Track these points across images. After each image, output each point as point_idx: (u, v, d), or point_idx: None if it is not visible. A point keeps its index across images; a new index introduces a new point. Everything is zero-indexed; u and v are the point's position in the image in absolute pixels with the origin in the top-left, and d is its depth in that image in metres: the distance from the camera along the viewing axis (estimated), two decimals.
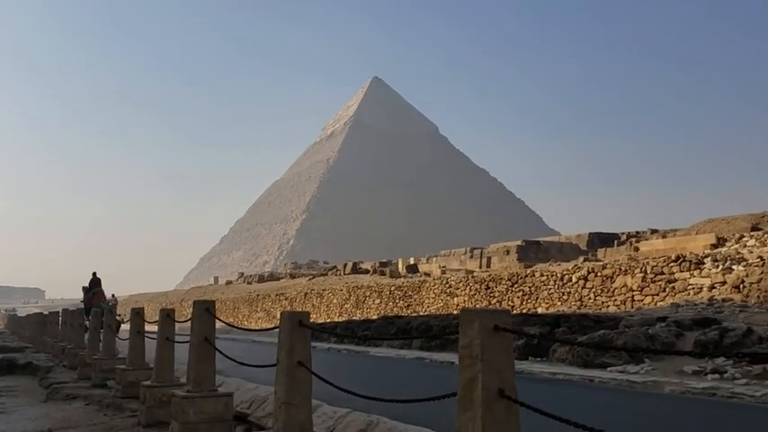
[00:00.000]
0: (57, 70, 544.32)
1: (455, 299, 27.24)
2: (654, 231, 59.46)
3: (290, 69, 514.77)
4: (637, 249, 45.15)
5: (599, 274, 21.37)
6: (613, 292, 20.58)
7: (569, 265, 25.49)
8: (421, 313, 27.91)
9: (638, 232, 61.84)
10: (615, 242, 58.17)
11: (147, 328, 17.90)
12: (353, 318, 31.80)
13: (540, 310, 22.56)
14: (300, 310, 42.30)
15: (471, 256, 63.17)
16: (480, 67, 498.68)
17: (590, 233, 64.68)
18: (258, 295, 46.74)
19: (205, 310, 7.29)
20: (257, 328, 28.28)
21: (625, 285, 20.26)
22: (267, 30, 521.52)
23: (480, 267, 57.88)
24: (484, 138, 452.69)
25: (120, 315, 25.30)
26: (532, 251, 59.98)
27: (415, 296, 29.90)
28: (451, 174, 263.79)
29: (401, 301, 30.63)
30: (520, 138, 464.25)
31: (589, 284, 21.54)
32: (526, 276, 24.12)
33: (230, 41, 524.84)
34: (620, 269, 20.67)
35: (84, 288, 27.18)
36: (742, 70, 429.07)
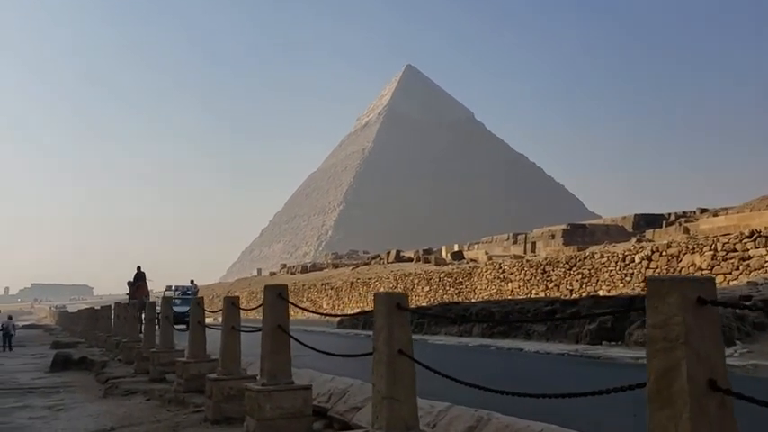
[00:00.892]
0: (106, 60, 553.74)
1: (509, 284, 26.43)
2: (704, 211, 57.56)
3: (323, 60, 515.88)
4: (687, 231, 43.62)
5: (664, 253, 20.36)
6: (680, 271, 19.57)
7: (629, 246, 24.46)
8: (473, 300, 27.19)
9: (684, 212, 60.03)
10: (663, 223, 56.56)
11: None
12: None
13: (601, 293, 21.65)
14: (347, 299, 42.03)
15: (514, 242, 62.05)
16: (514, 52, 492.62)
17: (635, 215, 63.01)
18: (304, 285, 46.50)
19: (278, 296, 6.71)
20: (340, 313, 27.94)
21: (693, 264, 19.24)
22: (301, 21, 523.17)
23: (525, 253, 56.80)
24: (521, 122, 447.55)
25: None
26: (578, 234, 58.65)
27: (466, 282, 29.16)
28: (489, 160, 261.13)
29: (452, 288, 29.92)
30: (557, 122, 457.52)
31: (653, 264, 20.54)
32: (585, 258, 23.19)
33: (265, 35, 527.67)
34: (687, 247, 19.63)
35: (129, 282, 27.43)
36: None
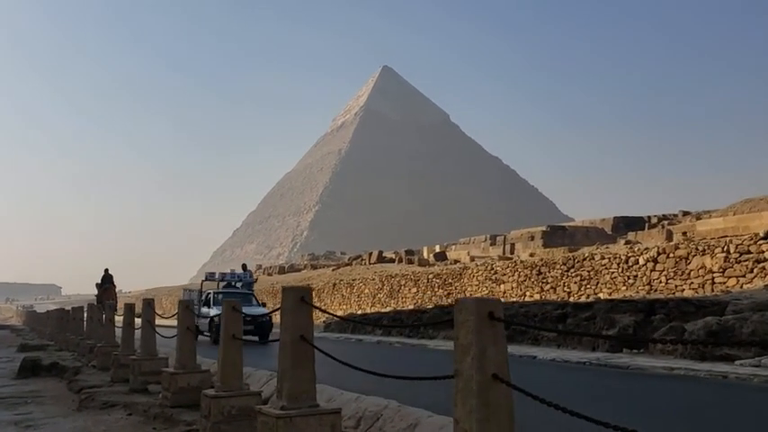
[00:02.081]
0: (65, 69, 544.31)
1: (501, 286, 25.45)
2: (686, 213, 57.45)
3: (298, 60, 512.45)
4: (670, 233, 43.20)
5: (671, 255, 19.47)
6: (689, 274, 18.72)
7: (634, 247, 23.57)
8: None
9: (665, 215, 59.86)
10: (646, 225, 56.29)
11: (165, 322, 16.08)
12: (385, 309, 30.08)
13: (602, 296, 20.75)
14: (329, 300, 40.74)
15: (492, 244, 61.43)
16: (489, 54, 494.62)
17: (615, 217, 62.82)
18: (283, 287, 45.11)
19: (300, 300, 5.55)
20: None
21: (703, 267, 18.39)
22: (274, 21, 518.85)
23: (503, 254, 56.20)
24: (495, 125, 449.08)
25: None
26: (558, 236, 58.23)
27: (456, 284, 28.11)
28: (464, 162, 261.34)
29: (440, 290, 28.86)
30: (531, 124, 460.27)
31: (659, 267, 19.66)
32: (584, 260, 22.26)
33: (238, 33, 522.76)
34: (697, 249, 18.76)
35: (97, 284, 27.15)
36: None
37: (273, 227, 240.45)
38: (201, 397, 7.53)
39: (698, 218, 49.60)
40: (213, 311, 20.53)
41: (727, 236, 22.69)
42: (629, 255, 20.89)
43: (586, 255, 22.76)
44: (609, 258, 21.42)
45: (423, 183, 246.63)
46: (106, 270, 27.14)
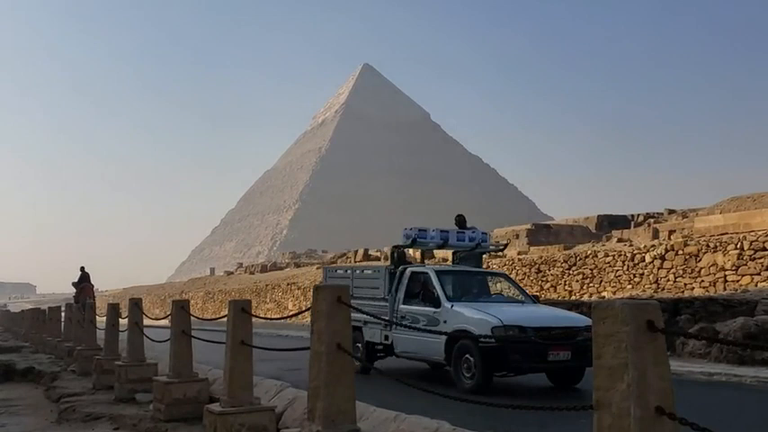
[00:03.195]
0: (32, 62, 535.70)
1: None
2: (671, 212, 57.22)
3: (279, 58, 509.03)
4: (656, 231, 42.72)
5: (680, 252, 18.73)
6: (699, 272, 17.99)
7: (639, 244, 22.86)
8: None
9: (649, 213, 59.66)
10: (631, 223, 56.00)
11: (150, 322, 14.88)
12: None
13: (606, 295, 19.98)
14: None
15: None
16: (468, 54, 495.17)
17: (598, 215, 62.54)
18: (267, 285, 43.98)
19: (337, 301, 4.57)
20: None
21: (714, 264, 17.67)
22: (254, 18, 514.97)
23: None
24: (476, 124, 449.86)
25: None
26: (542, 234, 57.67)
27: None
28: (444, 160, 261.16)
29: None
30: (511, 124, 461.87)
31: (667, 264, 18.92)
32: (586, 257, 21.47)
33: (217, 28, 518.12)
34: (708, 246, 18.04)
35: (73, 283, 26.64)
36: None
37: (253, 225, 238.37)
38: (205, 413, 6.54)
39: (684, 216, 49.45)
40: (465, 312, 9.98)
41: (727, 233, 22.05)
42: (635, 252, 20.16)
43: (589, 252, 21.99)
44: (613, 256, 20.68)
45: (403, 181, 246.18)
46: (82, 269, 26.58)
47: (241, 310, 6.36)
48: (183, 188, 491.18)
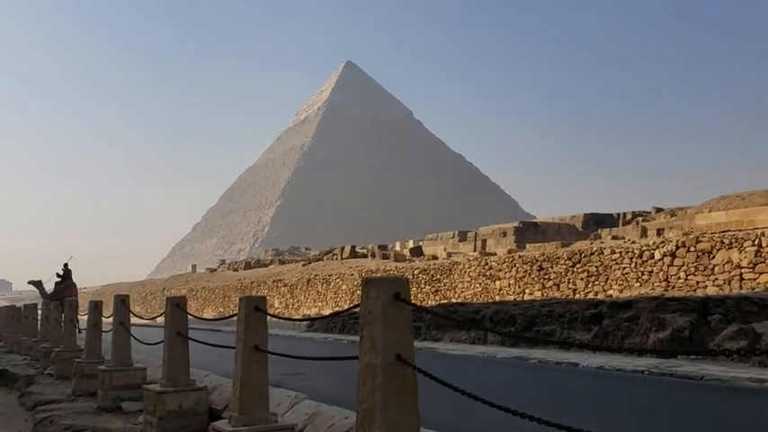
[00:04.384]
0: (19, 54, 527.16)
1: (497, 282, 23.73)
2: (659, 210, 56.91)
3: (261, 54, 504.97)
4: (645, 230, 42.29)
5: (692, 248, 17.95)
6: (713, 269, 17.22)
7: (648, 240, 22.09)
8: (453, 299, 24.44)
9: (635, 212, 59.34)
10: (619, 222, 55.58)
11: (133, 320, 13.79)
12: None
13: (612, 294, 19.17)
14: (303, 297, 38.62)
15: (462, 240, 60.11)
16: (451, 51, 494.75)
17: (585, 214, 62.17)
18: (252, 282, 42.78)
19: (394, 299, 3.57)
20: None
21: (729, 261, 16.91)
22: (235, 12, 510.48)
23: (475, 250, 54.92)
24: (458, 122, 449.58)
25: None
26: (530, 232, 57.12)
27: (445, 280, 26.31)
28: (427, 158, 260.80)
29: (427, 286, 27.02)
30: (493, 122, 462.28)
31: (677, 261, 18.14)
32: (591, 255, 20.65)
33: (198, 23, 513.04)
34: (722, 243, 17.27)
35: (56, 283, 25.52)
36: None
37: (234, 222, 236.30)
38: None
39: (672, 214, 49.14)
40: None
41: (730, 230, 21.37)
42: (644, 249, 19.36)
43: (594, 249, 21.13)
44: (620, 253, 19.87)
45: (385, 178, 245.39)
46: (65, 265, 25.52)
47: (255, 308, 5.34)
48: (163, 185, 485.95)
